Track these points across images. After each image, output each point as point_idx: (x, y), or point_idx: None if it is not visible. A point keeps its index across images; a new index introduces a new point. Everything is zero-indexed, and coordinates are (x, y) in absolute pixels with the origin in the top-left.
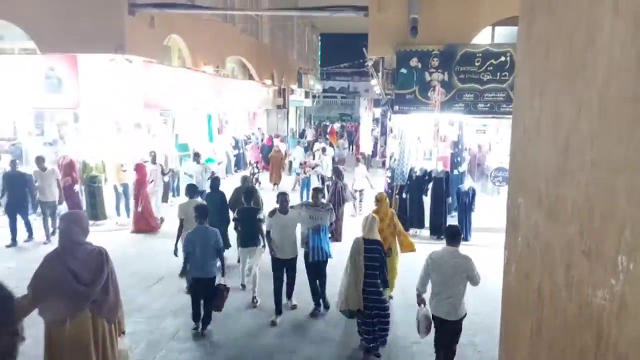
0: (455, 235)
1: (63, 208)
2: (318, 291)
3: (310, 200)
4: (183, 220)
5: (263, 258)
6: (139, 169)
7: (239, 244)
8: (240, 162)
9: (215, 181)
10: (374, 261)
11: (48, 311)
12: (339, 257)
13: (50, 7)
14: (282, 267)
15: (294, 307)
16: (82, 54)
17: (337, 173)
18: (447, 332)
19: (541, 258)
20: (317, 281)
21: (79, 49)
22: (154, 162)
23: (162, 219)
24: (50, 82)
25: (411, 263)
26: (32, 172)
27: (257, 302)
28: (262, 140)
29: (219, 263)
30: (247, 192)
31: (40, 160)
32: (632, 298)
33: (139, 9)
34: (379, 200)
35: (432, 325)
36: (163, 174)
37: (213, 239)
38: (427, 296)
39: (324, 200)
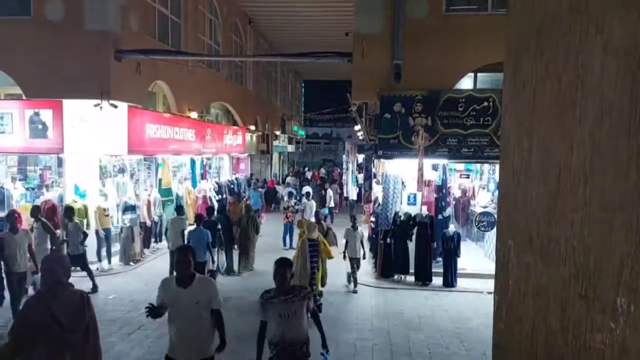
0: None
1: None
2: None
3: (275, 287)
4: (167, 230)
5: None
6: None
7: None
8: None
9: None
10: (314, 251)
11: (27, 357)
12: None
13: (36, 53)
14: None
15: None
16: (68, 99)
17: (317, 217)
18: None
19: (534, 302)
20: None
21: (64, 94)
22: (37, 219)
23: None
24: (35, 126)
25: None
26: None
27: None
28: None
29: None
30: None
31: (12, 218)
32: (633, 342)
33: (125, 55)
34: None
35: None
36: (52, 236)
37: (205, 236)
38: None
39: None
